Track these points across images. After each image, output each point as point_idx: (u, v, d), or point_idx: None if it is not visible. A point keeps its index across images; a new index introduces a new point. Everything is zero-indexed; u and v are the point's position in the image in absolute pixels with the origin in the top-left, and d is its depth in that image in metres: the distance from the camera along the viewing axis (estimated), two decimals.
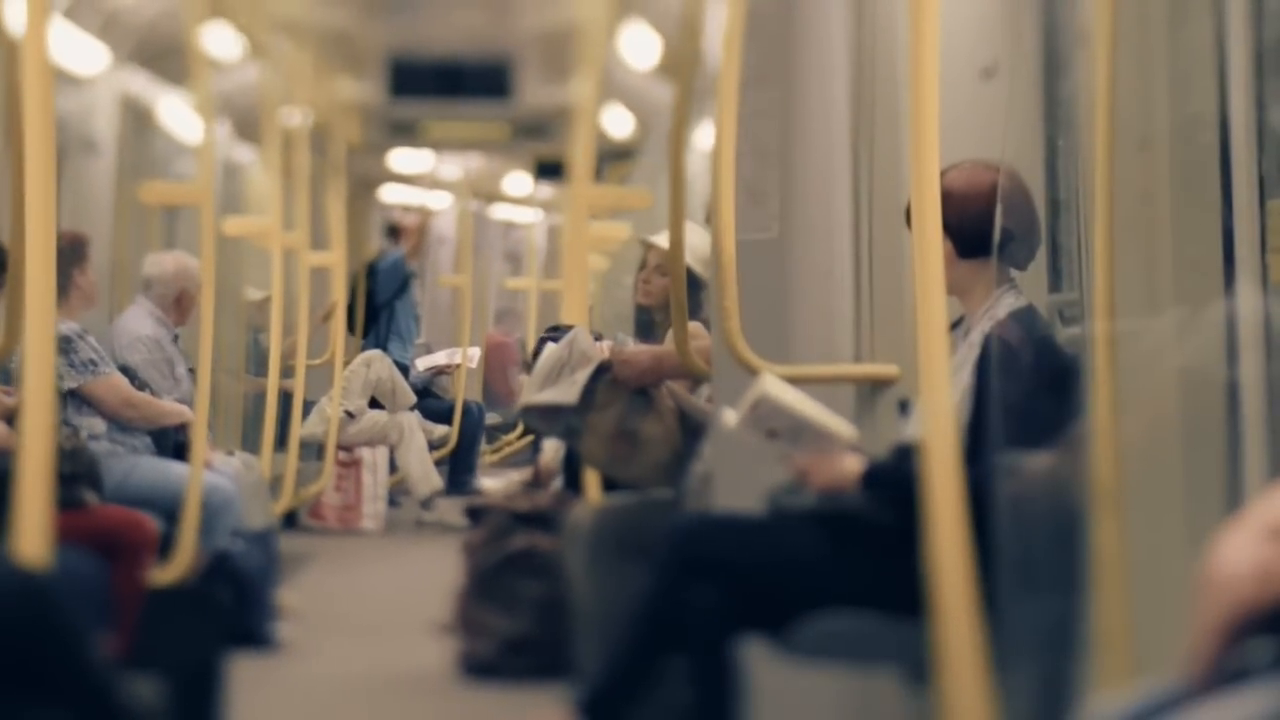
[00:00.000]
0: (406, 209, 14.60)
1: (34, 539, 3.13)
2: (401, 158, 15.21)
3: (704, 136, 12.49)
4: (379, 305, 11.20)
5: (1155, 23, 3.59)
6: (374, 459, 10.74)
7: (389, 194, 15.33)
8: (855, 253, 4.69)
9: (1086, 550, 3.35)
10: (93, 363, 6.83)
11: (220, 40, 9.55)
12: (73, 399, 6.78)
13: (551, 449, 9.38)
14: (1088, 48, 3.55)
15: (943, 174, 3.43)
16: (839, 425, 3.92)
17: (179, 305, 7.80)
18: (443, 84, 12.75)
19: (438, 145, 14.72)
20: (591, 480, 6.06)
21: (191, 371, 7.66)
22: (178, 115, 11.17)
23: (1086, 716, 2.20)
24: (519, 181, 16.93)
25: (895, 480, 3.81)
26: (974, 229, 3.96)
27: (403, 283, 12.18)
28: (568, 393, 5.20)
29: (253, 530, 6.73)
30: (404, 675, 6.35)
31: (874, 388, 4.60)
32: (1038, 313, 4.06)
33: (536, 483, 9.71)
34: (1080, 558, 3.35)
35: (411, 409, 11.03)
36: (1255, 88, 3.52)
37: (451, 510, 10.89)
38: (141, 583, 5.27)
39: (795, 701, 4.51)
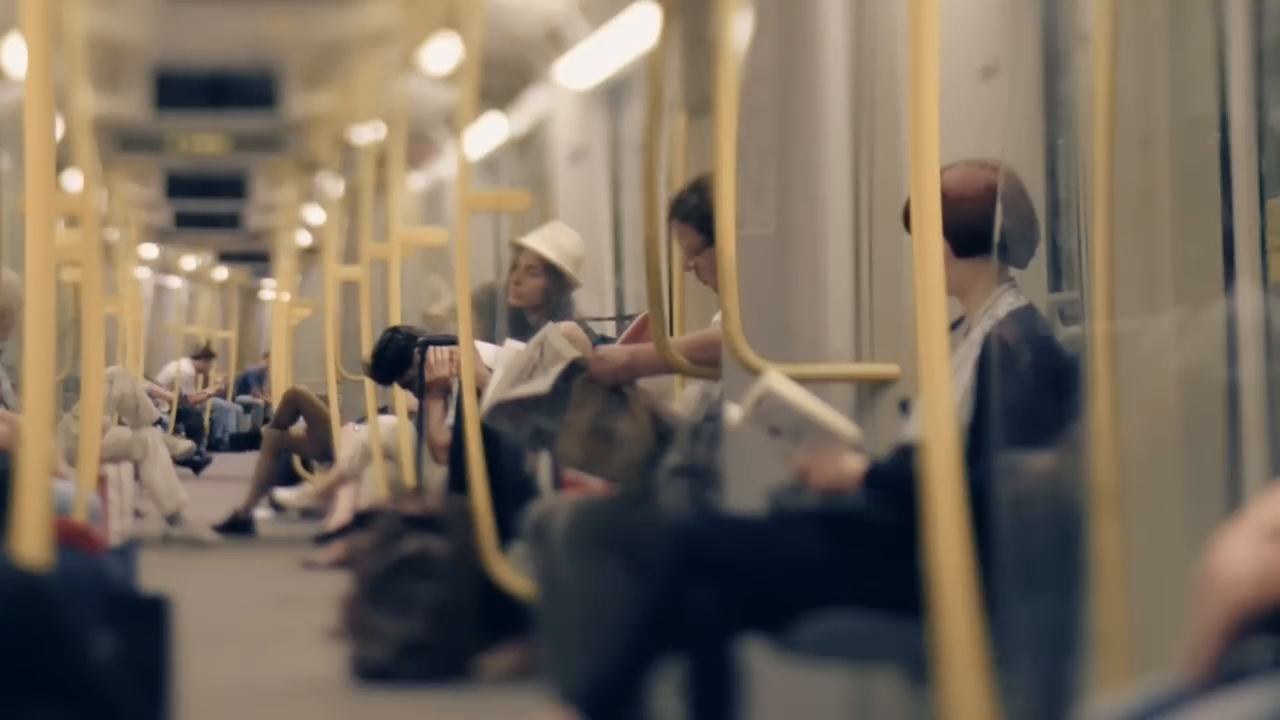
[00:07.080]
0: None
1: (34, 539, 3.14)
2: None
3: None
4: None
5: (1155, 23, 3.59)
6: (119, 476, 10.72)
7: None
8: (855, 252, 4.69)
9: (1086, 550, 3.35)
10: None
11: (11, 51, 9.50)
12: None
13: (346, 458, 9.41)
14: (1088, 48, 3.55)
15: None
16: (842, 424, 3.91)
17: (1, 321, 7.67)
18: (207, 96, 12.67)
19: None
20: (478, 481, 6.09)
21: (14, 387, 7.62)
22: None
23: (1086, 716, 2.21)
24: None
25: (896, 480, 3.80)
26: (969, 228, 3.96)
27: None
28: (540, 385, 5.18)
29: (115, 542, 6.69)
30: (290, 682, 6.35)
31: (874, 387, 4.60)
32: (1038, 312, 4.06)
33: (331, 493, 9.73)
34: (1080, 558, 3.35)
35: (155, 424, 11.07)
36: (1255, 88, 3.53)
37: (199, 525, 11.01)
38: None
39: (795, 701, 4.51)
